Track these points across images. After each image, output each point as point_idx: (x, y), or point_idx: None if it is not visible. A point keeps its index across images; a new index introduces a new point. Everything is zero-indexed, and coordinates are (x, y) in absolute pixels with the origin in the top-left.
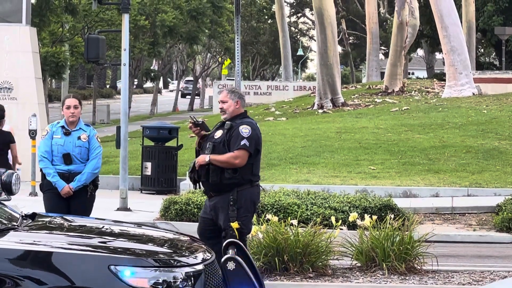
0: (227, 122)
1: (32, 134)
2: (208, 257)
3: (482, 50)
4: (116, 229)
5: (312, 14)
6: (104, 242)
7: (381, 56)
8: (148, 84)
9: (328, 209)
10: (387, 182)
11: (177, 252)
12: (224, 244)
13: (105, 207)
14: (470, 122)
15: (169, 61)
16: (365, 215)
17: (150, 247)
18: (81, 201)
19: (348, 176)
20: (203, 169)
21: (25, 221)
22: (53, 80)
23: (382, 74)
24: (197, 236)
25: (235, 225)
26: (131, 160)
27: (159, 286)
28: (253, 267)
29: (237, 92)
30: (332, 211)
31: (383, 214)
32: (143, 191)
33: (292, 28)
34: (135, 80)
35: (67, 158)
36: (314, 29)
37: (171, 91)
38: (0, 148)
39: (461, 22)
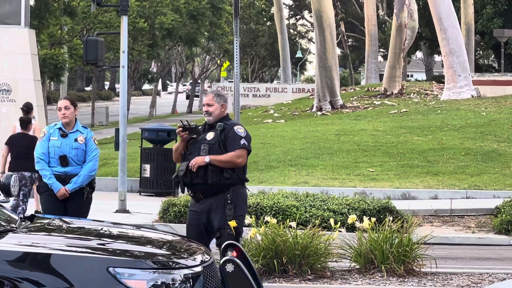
0: (218, 124)
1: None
2: (207, 259)
3: (481, 52)
4: (115, 231)
5: (311, 16)
6: (103, 244)
7: (380, 58)
8: (147, 86)
9: (327, 211)
10: (386, 184)
11: (176, 254)
12: (222, 246)
13: (104, 209)
14: (469, 125)
15: (168, 63)
16: (364, 217)
17: (148, 249)
18: (77, 203)
19: (347, 178)
20: (201, 171)
21: (23, 223)
22: (52, 82)
23: (381, 76)
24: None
25: (233, 223)
26: (130, 162)
27: None
28: (252, 269)
29: (223, 95)
30: (331, 213)
31: (382, 216)
32: (141, 193)
33: (291, 30)
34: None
35: (63, 160)
36: (313, 31)
37: (170, 93)
38: (28, 151)
39: (460, 24)
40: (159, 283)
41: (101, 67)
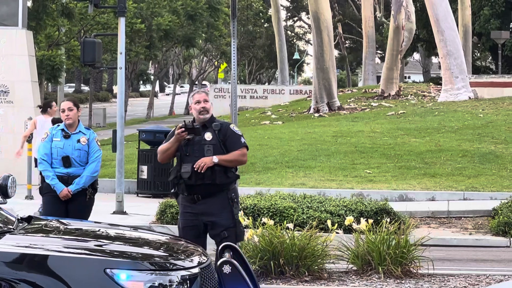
0: (215, 123)
1: (28, 137)
2: (204, 261)
3: (478, 54)
4: (112, 232)
5: (308, 18)
6: (100, 246)
7: (377, 60)
8: (144, 88)
9: (324, 213)
10: (383, 186)
11: (173, 255)
12: (219, 247)
13: (101, 210)
14: (466, 126)
15: (166, 65)
16: (361, 218)
17: (146, 250)
18: (79, 204)
19: (344, 180)
20: (207, 171)
21: (21, 224)
22: (49, 84)
23: (378, 78)
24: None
25: (241, 219)
26: (127, 163)
27: None
28: (249, 270)
29: None
30: (328, 214)
31: (379, 218)
32: (139, 195)
33: (289, 32)
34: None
35: (66, 161)
36: (310, 33)
37: (168, 94)
38: None
39: (457, 26)
40: (156, 284)
41: (99, 68)
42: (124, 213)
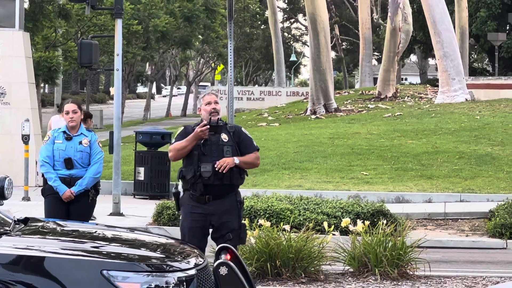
0: (229, 125)
1: (25, 139)
2: (201, 262)
3: (475, 56)
4: (109, 234)
5: (305, 19)
6: (97, 247)
7: (374, 62)
8: (142, 90)
9: (320, 215)
10: (380, 187)
11: (170, 257)
12: (216, 249)
13: (98, 212)
14: (463, 128)
15: (162, 67)
16: (358, 220)
17: (142, 252)
18: (82, 205)
19: (340, 181)
20: (227, 172)
21: (17, 225)
22: (46, 85)
23: (375, 79)
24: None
25: (246, 222)
26: (124, 165)
27: None
28: (246, 272)
29: None
30: (325, 216)
31: (375, 220)
32: (136, 196)
33: (285, 34)
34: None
35: (68, 163)
36: (307, 35)
37: (164, 96)
38: None
39: (454, 28)
40: (152, 286)
41: (96, 70)
42: (121, 214)
